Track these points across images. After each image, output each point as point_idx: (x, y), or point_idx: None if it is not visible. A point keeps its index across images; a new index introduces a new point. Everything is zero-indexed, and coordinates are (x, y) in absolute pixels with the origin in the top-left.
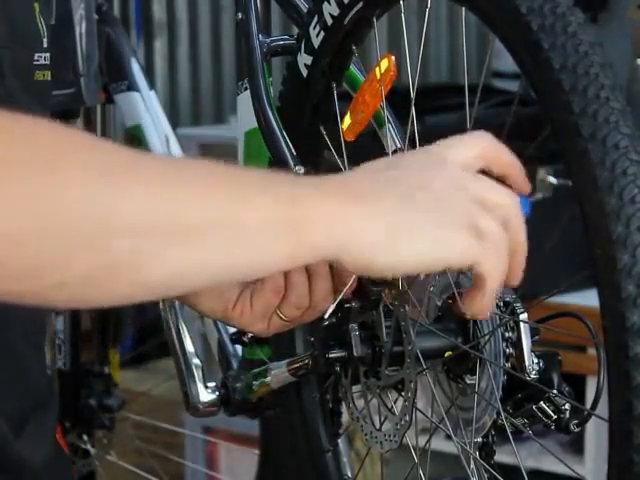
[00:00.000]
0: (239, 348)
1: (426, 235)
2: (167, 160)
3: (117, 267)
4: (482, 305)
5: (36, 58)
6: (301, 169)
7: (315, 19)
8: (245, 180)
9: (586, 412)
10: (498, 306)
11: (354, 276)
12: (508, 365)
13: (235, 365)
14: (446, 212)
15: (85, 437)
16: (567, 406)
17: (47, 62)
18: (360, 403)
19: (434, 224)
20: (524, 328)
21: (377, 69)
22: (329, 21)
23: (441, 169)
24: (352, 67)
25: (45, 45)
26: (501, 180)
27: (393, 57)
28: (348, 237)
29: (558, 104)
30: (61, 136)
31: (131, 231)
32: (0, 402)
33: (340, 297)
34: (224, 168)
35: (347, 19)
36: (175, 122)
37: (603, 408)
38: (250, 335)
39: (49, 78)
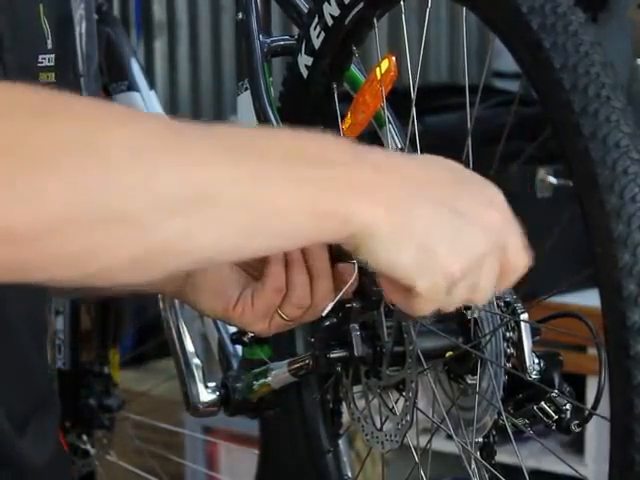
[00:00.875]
0: (239, 348)
1: (422, 255)
2: (198, 130)
3: (164, 247)
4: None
5: (40, 60)
6: None
7: (315, 20)
8: (275, 153)
9: (587, 412)
10: (499, 306)
11: (355, 275)
12: (509, 365)
13: (235, 365)
14: (462, 246)
15: (85, 437)
16: (568, 406)
17: (51, 64)
18: (361, 403)
19: (437, 246)
20: (525, 328)
21: (377, 70)
22: (329, 22)
23: (495, 202)
24: (353, 67)
25: (50, 46)
26: None
27: (394, 57)
28: (364, 234)
29: (559, 103)
30: (98, 113)
31: (169, 211)
32: (5, 401)
33: (340, 295)
34: (252, 135)
35: (347, 20)
36: None
37: (604, 408)
38: (250, 335)
39: (53, 79)
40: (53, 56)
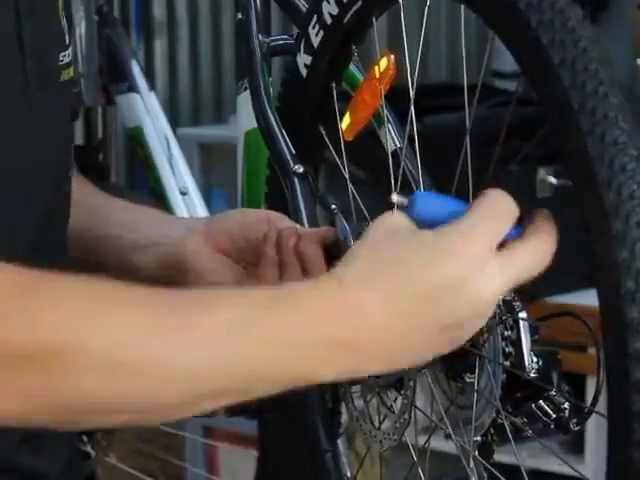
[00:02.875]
0: None
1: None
2: (200, 308)
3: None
4: None
5: (61, 58)
6: (300, 168)
7: (314, 19)
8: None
9: (586, 409)
10: (497, 304)
11: None
12: (507, 364)
13: None
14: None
15: (85, 439)
16: (566, 405)
17: (70, 59)
18: (359, 402)
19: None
20: (523, 326)
21: (376, 68)
22: (328, 20)
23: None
24: (352, 67)
25: (67, 41)
26: None
27: (392, 55)
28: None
29: (557, 100)
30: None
31: (211, 393)
32: None
33: None
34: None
35: (346, 18)
36: (175, 122)
37: (603, 408)
38: None
39: (72, 74)
40: (70, 50)
